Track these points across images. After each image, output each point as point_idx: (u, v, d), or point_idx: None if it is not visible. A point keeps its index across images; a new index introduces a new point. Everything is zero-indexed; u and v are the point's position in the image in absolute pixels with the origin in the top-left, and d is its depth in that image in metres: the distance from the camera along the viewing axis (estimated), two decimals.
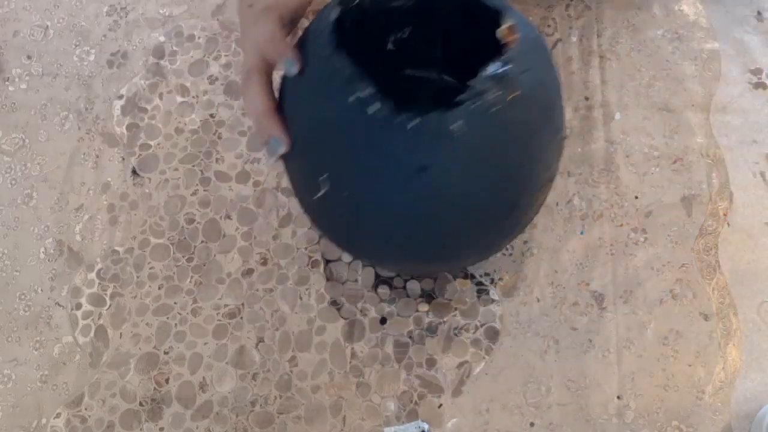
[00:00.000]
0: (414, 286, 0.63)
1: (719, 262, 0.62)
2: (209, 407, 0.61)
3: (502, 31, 0.45)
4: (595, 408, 0.59)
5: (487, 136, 0.42)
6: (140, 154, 0.70)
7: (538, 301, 0.62)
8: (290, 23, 0.49)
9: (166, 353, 0.63)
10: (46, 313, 0.65)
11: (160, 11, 0.77)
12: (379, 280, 0.64)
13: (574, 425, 0.58)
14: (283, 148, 0.47)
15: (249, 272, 0.65)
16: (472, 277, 0.63)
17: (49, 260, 0.67)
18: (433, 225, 0.45)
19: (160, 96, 0.72)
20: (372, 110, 0.41)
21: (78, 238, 0.67)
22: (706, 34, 0.70)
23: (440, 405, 0.60)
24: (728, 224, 0.64)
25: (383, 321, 0.62)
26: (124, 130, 0.71)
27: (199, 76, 0.73)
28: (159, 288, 0.65)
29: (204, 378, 0.62)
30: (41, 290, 0.66)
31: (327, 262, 0.65)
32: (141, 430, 0.61)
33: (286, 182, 0.67)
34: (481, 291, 0.63)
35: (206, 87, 0.72)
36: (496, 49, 0.44)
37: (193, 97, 0.72)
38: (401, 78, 0.60)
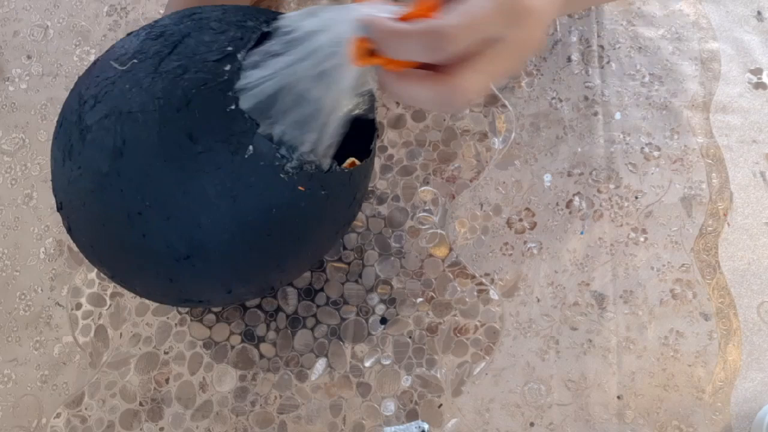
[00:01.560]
0: (414, 285, 0.63)
1: (719, 262, 0.62)
2: (209, 407, 0.61)
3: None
4: (595, 408, 0.59)
5: None
6: None
7: (538, 301, 0.62)
8: None
9: (166, 353, 0.63)
10: (46, 313, 0.65)
11: (160, 11, 0.77)
12: (379, 281, 0.64)
13: (574, 425, 0.58)
14: None
15: None
16: (473, 277, 0.63)
17: (49, 260, 0.67)
18: None
19: None
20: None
21: None
22: (706, 34, 0.70)
23: (440, 405, 0.60)
24: (728, 224, 0.64)
25: (383, 321, 0.62)
26: None
27: None
28: None
29: (204, 378, 0.62)
30: (41, 290, 0.66)
31: (327, 261, 0.65)
32: (141, 430, 0.61)
33: None
34: (481, 291, 0.63)
35: None
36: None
37: None
38: None
